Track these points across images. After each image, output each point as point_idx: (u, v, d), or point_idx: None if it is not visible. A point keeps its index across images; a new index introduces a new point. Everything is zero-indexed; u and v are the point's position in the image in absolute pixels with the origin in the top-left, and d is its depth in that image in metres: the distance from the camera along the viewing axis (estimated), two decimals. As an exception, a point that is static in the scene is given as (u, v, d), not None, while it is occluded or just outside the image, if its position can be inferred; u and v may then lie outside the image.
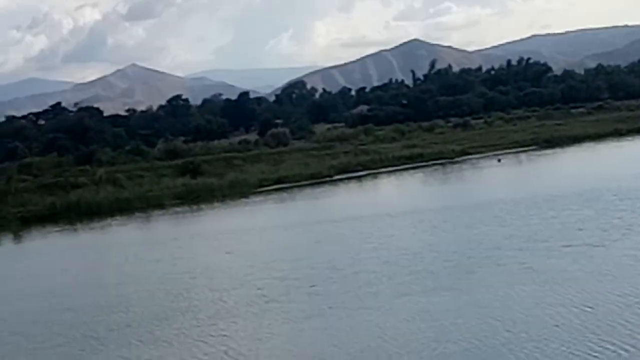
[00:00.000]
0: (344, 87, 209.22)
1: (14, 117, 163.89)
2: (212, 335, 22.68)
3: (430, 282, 26.26)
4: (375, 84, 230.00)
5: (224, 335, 22.47)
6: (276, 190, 72.17)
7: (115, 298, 29.47)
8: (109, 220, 62.11)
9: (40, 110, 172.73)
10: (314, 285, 27.60)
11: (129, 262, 39.01)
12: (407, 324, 21.80)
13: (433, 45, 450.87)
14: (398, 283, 26.53)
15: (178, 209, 65.25)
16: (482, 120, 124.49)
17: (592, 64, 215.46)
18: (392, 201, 56.26)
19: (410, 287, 25.79)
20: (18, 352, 23.49)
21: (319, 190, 69.18)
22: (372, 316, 22.79)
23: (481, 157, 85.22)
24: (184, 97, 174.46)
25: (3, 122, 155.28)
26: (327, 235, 40.29)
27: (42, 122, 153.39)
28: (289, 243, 40.20)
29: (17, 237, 59.11)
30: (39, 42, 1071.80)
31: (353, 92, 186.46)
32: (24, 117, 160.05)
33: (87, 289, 32.55)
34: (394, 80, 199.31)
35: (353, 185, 73.94)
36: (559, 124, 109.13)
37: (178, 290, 29.61)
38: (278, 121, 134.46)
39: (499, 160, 79.50)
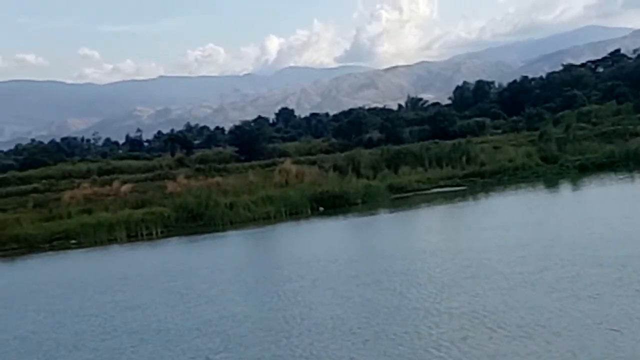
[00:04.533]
0: None
1: (572, 65, 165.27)
2: None
3: None
4: None
5: None
6: None
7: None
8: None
9: (598, 57, 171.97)
10: None
11: None
12: None
13: None
14: None
15: None
16: None
17: None
18: None
19: None
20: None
21: None
22: None
23: None
24: None
25: (562, 70, 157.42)
26: None
27: (600, 69, 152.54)
28: None
29: (575, 184, 59.38)
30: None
31: None
32: (582, 65, 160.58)
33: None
34: None
35: None
36: None
37: None
38: None
39: None
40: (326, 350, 18.92)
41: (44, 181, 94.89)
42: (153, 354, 20.42)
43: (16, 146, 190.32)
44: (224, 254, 41.51)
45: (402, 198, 60.95)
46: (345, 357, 18.27)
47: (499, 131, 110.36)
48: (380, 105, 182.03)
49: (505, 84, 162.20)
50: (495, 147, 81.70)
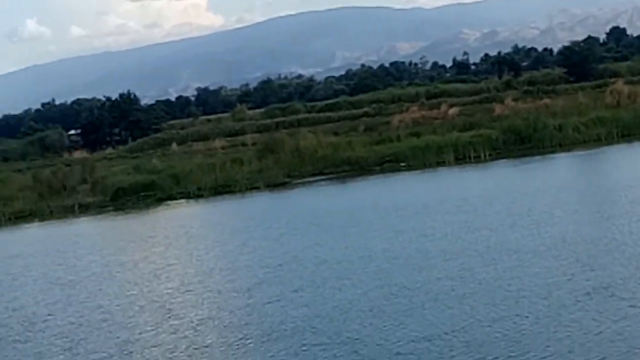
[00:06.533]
0: None
1: None
2: None
3: None
4: None
5: None
6: None
7: None
8: None
9: None
10: None
11: None
12: None
13: None
14: None
15: None
16: None
17: None
18: None
19: None
20: None
21: None
22: None
23: None
24: None
25: None
26: None
27: None
28: None
29: None
30: None
31: None
32: None
33: None
34: None
35: None
36: None
37: None
38: None
39: None
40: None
41: (373, 105, 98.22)
42: (506, 272, 20.64)
43: (347, 71, 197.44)
44: (558, 175, 41.20)
45: None
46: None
47: None
48: None
49: None
50: None
